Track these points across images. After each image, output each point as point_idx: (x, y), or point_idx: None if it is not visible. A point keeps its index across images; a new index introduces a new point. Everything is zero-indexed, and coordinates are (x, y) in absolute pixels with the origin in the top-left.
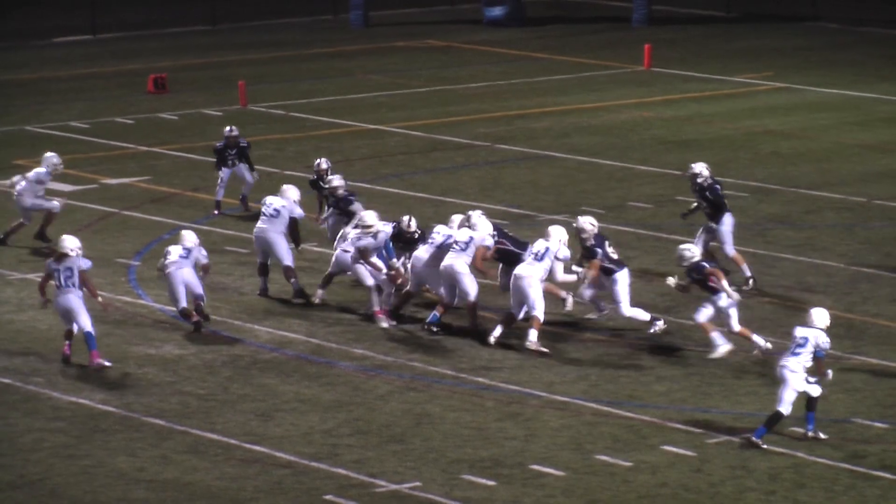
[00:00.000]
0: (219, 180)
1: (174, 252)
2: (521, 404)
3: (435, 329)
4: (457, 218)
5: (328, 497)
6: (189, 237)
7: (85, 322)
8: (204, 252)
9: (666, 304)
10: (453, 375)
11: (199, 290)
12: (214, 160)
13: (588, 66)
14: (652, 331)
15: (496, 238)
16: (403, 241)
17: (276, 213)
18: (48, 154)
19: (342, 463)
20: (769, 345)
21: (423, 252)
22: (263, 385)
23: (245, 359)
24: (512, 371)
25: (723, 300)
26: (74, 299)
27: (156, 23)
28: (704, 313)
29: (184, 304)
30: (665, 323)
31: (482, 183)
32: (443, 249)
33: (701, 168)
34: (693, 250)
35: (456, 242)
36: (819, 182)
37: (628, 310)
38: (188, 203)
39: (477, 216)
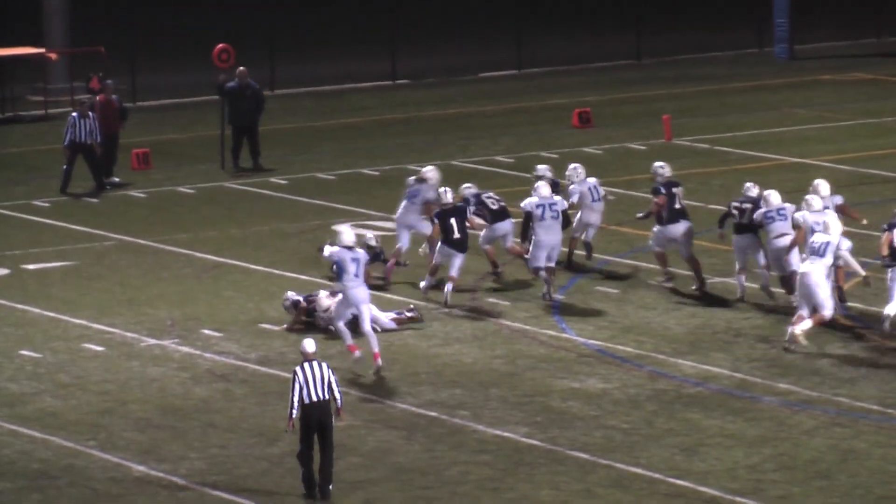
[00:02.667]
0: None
1: None
2: None
3: None
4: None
5: None
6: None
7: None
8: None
9: None
10: (880, 411)
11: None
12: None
13: None
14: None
15: None
16: None
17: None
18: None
19: (767, 498)
20: None
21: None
22: (687, 419)
23: (669, 393)
24: None
25: None
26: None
27: (580, 58)
28: None
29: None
30: None
31: None
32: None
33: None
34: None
35: (816, 247)
36: None
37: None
38: (611, 236)
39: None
